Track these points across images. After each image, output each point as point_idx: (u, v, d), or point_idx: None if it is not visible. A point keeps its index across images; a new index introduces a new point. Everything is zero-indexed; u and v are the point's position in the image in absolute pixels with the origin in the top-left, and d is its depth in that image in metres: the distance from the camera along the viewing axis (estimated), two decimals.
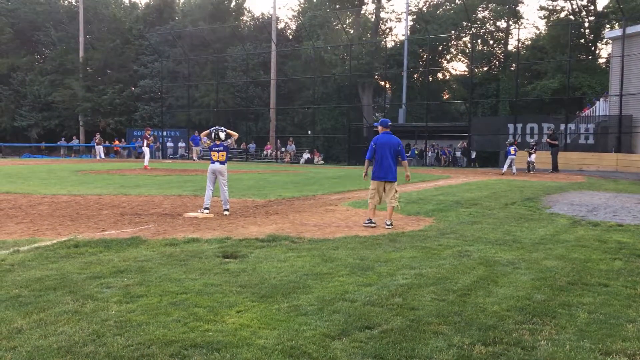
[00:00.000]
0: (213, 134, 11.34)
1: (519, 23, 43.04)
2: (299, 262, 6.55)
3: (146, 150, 27.57)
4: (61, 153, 46.30)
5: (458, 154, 38.71)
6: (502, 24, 47.12)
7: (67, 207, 11.55)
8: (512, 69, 41.45)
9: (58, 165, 30.21)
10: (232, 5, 53.86)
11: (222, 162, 11.19)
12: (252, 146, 44.76)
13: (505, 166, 25.78)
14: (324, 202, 13.28)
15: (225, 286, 5.41)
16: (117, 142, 44.24)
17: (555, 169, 27.11)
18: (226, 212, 10.83)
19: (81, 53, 51.50)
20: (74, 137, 49.42)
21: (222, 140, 11.31)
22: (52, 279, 5.55)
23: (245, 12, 56.75)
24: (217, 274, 5.89)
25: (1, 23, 51.07)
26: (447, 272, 6.14)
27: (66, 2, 57.66)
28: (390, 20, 51.56)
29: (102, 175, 21.80)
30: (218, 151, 11.18)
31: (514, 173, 25.34)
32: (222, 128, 11.56)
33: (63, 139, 48.41)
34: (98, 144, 39.91)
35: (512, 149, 25.62)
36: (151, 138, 28.53)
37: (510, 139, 30.80)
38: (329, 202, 13.14)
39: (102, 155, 39.49)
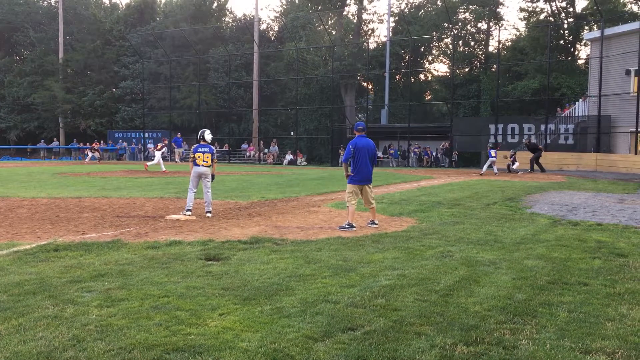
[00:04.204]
0: (199, 135, 11.26)
1: (500, 24, 43.40)
2: (281, 264, 6.54)
3: (157, 154, 27.44)
4: (41, 155, 45.74)
5: (440, 154, 38.95)
6: (482, 25, 47.51)
7: (46, 210, 11.41)
8: (493, 70, 41.81)
9: (38, 167, 29.82)
10: (213, 7, 53.60)
11: (207, 165, 11.10)
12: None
13: (485, 167, 26.23)
14: (306, 203, 13.27)
15: (207, 289, 5.38)
16: (96, 145, 43.82)
17: (541, 169, 27.27)
18: (209, 214, 10.78)
19: (61, 54, 50.93)
20: (54, 139, 48.84)
21: (208, 142, 11.24)
22: (31, 284, 5.48)
23: (227, 13, 56.56)
24: (199, 277, 5.85)
25: None
26: (430, 273, 6.17)
27: (45, 2, 56.96)
28: (373, 21, 51.65)
29: (83, 178, 21.57)
30: (203, 152, 11.06)
31: (496, 173, 25.69)
32: (208, 130, 11.49)
33: (43, 141, 47.83)
34: (92, 149, 40.31)
35: (492, 152, 26.03)
36: (161, 145, 28.54)
37: (492, 141, 31.11)
38: (312, 204, 13.13)
39: (95, 158, 39.62)
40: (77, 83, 51.56)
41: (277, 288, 5.44)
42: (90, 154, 39.93)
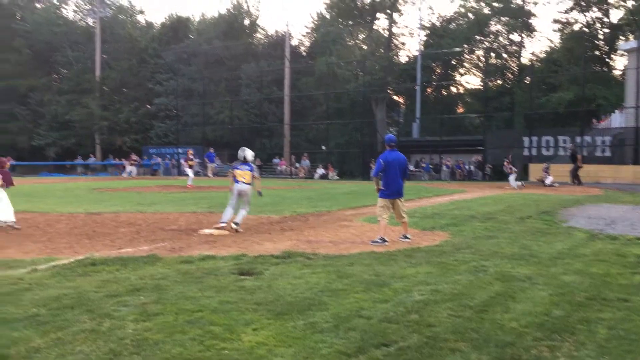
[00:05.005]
0: (240, 155, 11.37)
1: (532, 36, 42.94)
2: (314, 278, 6.53)
3: (189, 170, 27.00)
4: (78, 171, 46.85)
5: (473, 167, 38.51)
6: (515, 37, 47.06)
7: (84, 225, 11.66)
8: (527, 81, 41.29)
9: (75, 183, 30.54)
10: (245, 23, 54.42)
11: (247, 183, 11.17)
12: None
13: (516, 183, 25.70)
14: (338, 217, 13.27)
15: (241, 304, 5.41)
16: (133, 157, 44.63)
17: (578, 182, 26.75)
18: (236, 227, 10.74)
19: (98, 72, 52.26)
20: (91, 156, 49.99)
21: (248, 161, 11.36)
22: (69, 298, 5.59)
23: (259, 30, 57.32)
24: (232, 292, 5.89)
25: (20, 45, 52.01)
26: (464, 288, 6.09)
27: (83, 23, 58.65)
28: (403, 35, 51.75)
29: (119, 193, 21.99)
30: (243, 170, 11.17)
31: (521, 186, 25.21)
32: (249, 152, 11.56)
33: (80, 157, 49.01)
34: (131, 164, 41.02)
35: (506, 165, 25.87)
36: (193, 158, 27.97)
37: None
38: (343, 218, 13.12)
39: (132, 173, 40.25)
40: (113, 100, 52.79)
41: (309, 303, 5.44)
42: (128, 168, 40.72)
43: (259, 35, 56.98)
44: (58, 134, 52.83)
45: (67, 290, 5.88)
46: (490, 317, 5.03)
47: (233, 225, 10.74)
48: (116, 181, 33.34)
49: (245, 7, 53.96)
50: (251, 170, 11.24)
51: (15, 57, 50.85)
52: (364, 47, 48.55)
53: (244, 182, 11.09)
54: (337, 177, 40.67)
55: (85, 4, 55.62)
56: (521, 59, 46.67)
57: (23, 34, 53.34)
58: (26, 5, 56.52)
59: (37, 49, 53.85)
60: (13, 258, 7.76)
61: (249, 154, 11.39)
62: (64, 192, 22.52)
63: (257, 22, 56.12)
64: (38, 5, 58.02)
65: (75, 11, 58.82)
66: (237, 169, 11.18)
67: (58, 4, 58.65)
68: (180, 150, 47.01)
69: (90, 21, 55.74)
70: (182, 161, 36.48)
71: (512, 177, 25.94)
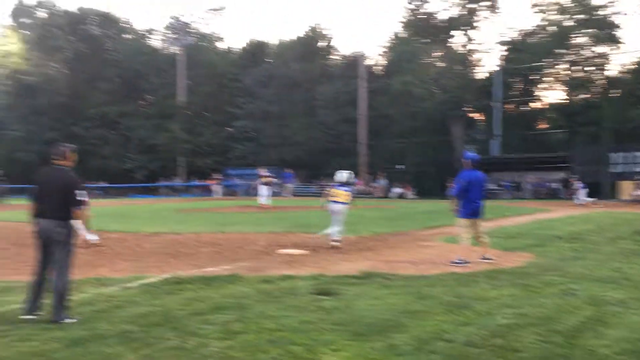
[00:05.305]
0: (338, 177, 12.01)
1: (618, 47, 40.91)
2: (393, 299, 6.47)
3: (262, 188, 27.05)
4: (163, 193, 48.92)
5: (557, 185, 36.92)
6: (600, 48, 45.01)
7: (169, 245, 12.11)
8: (614, 94, 39.31)
9: (161, 204, 31.87)
10: (320, 45, 55.33)
11: (341, 202, 11.62)
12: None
13: (586, 199, 25.03)
14: (416, 237, 13.10)
15: (320, 323, 5.44)
16: (215, 178, 46.01)
17: None
18: (334, 242, 11.24)
19: (181, 98, 54.65)
20: (175, 177, 52.12)
21: (346, 182, 11.91)
22: (157, 315, 5.82)
23: (334, 51, 58.07)
24: (311, 311, 5.93)
25: (112, 74, 55.36)
26: (551, 312, 5.84)
27: (167, 51, 61.70)
28: (480, 51, 50.69)
29: (201, 214, 22.73)
30: (339, 189, 11.72)
31: (586, 203, 24.45)
32: (346, 174, 12.16)
33: (164, 178, 51.23)
34: (216, 183, 42.38)
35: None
36: (267, 176, 28.16)
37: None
38: (422, 238, 12.94)
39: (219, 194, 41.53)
40: (195, 124, 54.94)
41: (389, 324, 5.39)
42: (214, 188, 42.22)
43: (334, 57, 57.75)
44: (145, 157, 55.48)
45: (154, 308, 6.13)
46: (581, 343, 4.79)
47: (334, 244, 11.30)
48: (199, 202, 34.50)
49: (320, 30, 55.02)
50: (347, 191, 11.79)
51: (106, 86, 54.18)
52: (440, 64, 48.00)
53: (336, 201, 11.59)
54: (414, 197, 40.20)
55: (171, 33, 58.55)
56: (608, 71, 44.54)
57: (114, 63, 56.76)
58: (114, 36, 60.15)
59: (125, 76, 57.10)
60: (105, 276, 8.18)
61: (345, 176, 12.01)
62: (150, 212, 23.54)
63: (331, 43, 56.96)
64: (127, 36, 61.62)
65: (160, 40, 61.98)
66: (334, 188, 11.78)
67: (144, 33, 62.13)
68: (258, 172, 48.15)
69: (174, 49, 58.49)
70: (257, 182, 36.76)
71: (581, 193, 25.93)
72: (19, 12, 58.53)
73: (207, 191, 44.41)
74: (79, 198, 5.81)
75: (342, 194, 11.69)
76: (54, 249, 5.76)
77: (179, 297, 6.69)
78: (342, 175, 12.01)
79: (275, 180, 30.06)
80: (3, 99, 54.27)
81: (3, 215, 19.86)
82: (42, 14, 58.93)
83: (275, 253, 10.69)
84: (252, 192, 45.88)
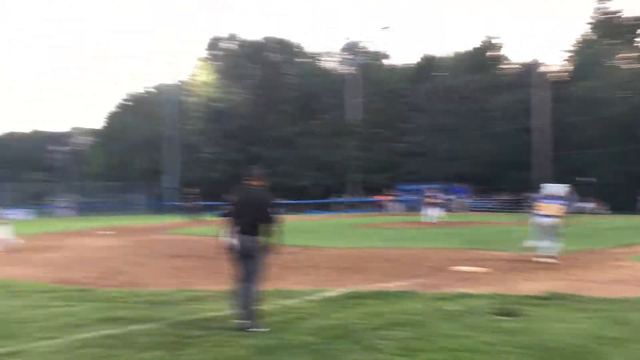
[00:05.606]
0: (548, 189, 11.92)
1: None
2: (583, 323, 6.01)
3: (428, 207, 26.91)
4: (335, 208, 50.57)
5: None
6: None
7: (345, 259, 12.48)
8: None
9: (336, 220, 32.96)
10: (492, 55, 53.49)
11: (548, 215, 11.32)
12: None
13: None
14: (607, 256, 12.02)
15: (500, 345, 5.24)
16: (389, 194, 46.43)
17: None
18: (546, 258, 10.94)
19: (352, 115, 56.25)
20: (348, 193, 53.65)
21: (556, 195, 11.69)
22: (337, 328, 6.04)
23: (507, 61, 55.77)
24: (491, 332, 5.74)
25: (288, 96, 59.01)
26: None
27: (337, 71, 64.12)
28: None
29: (374, 230, 23.07)
30: (548, 203, 11.50)
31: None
32: (556, 187, 12.12)
33: (335, 195, 53.05)
34: (392, 199, 42.87)
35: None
36: (432, 197, 27.67)
37: None
38: (613, 257, 11.84)
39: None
40: (367, 141, 56.10)
41: (579, 351, 5.02)
42: (391, 204, 42.72)
43: (506, 66, 55.46)
44: (319, 174, 57.89)
45: (334, 321, 6.37)
46: None
47: (535, 258, 11.03)
48: (372, 217, 35.07)
49: (490, 40, 53.38)
50: (560, 204, 11.44)
51: (283, 107, 57.87)
52: (629, 67, 43.61)
53: (542, 214, 11.35)
54: (607, 212, 36.90)
55: (345, 54, 60.89)
56: None
57: (290, 86, 60.43)
58: (290, 60, 64.04)
59: (300, 98, 60.42)
60: (287, 289, 8.67)
61: (555, 189, 11.85)
62: (326, 228, 24.44)
63: (500, 52, 54.85)
64: (299, 60, 65.36)
65: (331, 61, 64.62)
66: (542, 201, 11.56)
67: (314, 56, 65.44)
68: (429, 187, 47.68)
69: (344, 69, 60.55)
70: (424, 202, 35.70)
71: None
72: (212, 46, 65.20)
73: (378, 207, 44.94)
74: (274, 215, 6.27)
75: (552, 207, 11.34)
76: (250, 262, 6.25)
77: (357, 312, 6.86)
78: (553, 188, 11.81)
79: (441, 200, 29.47)
80: (198, 125, 60.38)
81: (199, 230, 21.91)
82: (231, 45, 64.92)
83: (449, 270, 10.49)
84: (421, 209, 45.69)
